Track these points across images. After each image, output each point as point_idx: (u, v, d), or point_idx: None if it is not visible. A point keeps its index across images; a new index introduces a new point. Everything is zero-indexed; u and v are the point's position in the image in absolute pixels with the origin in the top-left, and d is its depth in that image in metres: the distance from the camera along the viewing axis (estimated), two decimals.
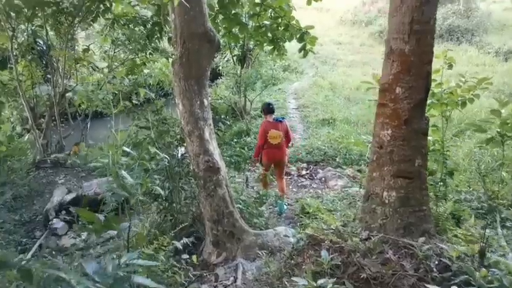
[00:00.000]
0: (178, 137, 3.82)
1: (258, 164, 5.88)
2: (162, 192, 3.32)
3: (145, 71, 14.98)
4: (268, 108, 5.45)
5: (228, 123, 5.71)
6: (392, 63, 2.68)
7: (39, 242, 5.65)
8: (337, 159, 7.45)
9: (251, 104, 10.16)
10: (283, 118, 5.65)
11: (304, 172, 7.30)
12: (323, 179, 6.88)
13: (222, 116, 5.44)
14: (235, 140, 8.87)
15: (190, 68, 3.41)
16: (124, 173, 2.16)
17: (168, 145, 3.74)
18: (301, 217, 4.93)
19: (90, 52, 9.83)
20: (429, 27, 2.60)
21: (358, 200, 5.34)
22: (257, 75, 9.80)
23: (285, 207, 5.49)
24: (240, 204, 3.93)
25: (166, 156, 3.14)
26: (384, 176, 2.66)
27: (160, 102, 4.26)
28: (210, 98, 4.19)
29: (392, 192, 2.60)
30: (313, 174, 7.19)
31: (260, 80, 10.94)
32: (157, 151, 3.73)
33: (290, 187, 6.72)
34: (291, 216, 5.32)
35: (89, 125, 12.09)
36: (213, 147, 3.49)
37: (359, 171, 7.03)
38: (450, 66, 3.73)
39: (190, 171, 3.70)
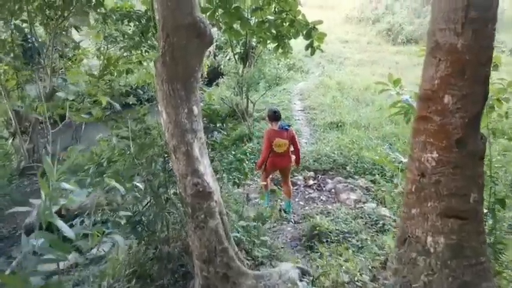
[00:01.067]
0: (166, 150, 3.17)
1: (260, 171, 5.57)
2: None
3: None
4: (273, 116, 5.17)
5: (225, 132, 5.01)
6: (438, 64, 2.00)
7: (15, 262, 5.03)
8: (348, 168, 6.77)
9: (254, 106, 9.48)
10: (289, 126, 5.34)
11: (311, 182, 6.63)
12: (333, 190, 6.20)
13: (218, 125, 4.70)
14: (237, 144, 8.22)
15: (176, 67, 2.74)
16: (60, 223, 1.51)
17: (150, 161, 3.09)
18: (311, 242, 4.27)
19: (82, 49, 9.23)
20: (490, 14, 1.93)
21: (376, 221, 4.66)
22: (260, 75, 9.13)
23: (291, 207, 5.48)
24: (238, 232, 3.28)
25: (139, 185, 2.47)
26: (428, 214, 1.99)
27: (144, 109, 3.60)
28: (202, 104, 3.54)
29: (440, 237, 1.93)
30: (322, 185, 6.52)
31: (263, 79, 10.27)
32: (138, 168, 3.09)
33: (296, 199, 6.06)
34: (298, 237, 4.65)
35: (83, 128, 11.51)
36: (204, 166, 2.83)
37: (373, 182, 6.37)
38: (495, 67, 3.06)
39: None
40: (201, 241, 2.60)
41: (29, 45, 8.58)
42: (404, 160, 2.97)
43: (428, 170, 2.00)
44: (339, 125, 9.07)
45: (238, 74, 9.33)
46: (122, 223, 2.23)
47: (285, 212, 5.32)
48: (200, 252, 2.60)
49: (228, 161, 5.46)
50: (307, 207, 5.67)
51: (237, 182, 4.34)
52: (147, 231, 2.96)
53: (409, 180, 2.13)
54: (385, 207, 5.30)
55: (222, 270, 2.56)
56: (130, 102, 10.34)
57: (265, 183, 5.36)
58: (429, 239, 1.96)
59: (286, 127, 5.21)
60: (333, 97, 11.05)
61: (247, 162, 4.49)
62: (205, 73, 11.40)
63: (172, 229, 3.31)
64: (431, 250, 1.94)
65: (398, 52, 17.44)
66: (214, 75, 13.86)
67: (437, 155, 1.98)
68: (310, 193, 6.25)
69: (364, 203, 5.46)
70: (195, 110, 2.89)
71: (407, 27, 20.02)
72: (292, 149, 5.33)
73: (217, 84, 12.97)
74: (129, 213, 2.61)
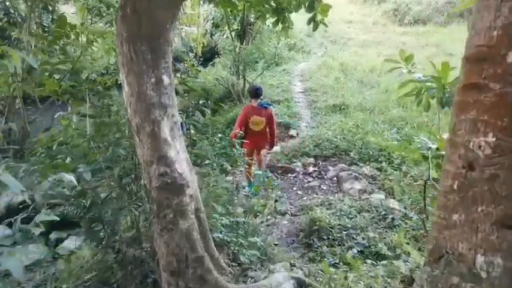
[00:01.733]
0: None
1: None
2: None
3: None
4: (254, 92, 5.08)
5: (208, 111, 4.41)
6: (500, 6, 1.36)
7: None
8: (352, 154, 6.18)
9: (245, 86, 8.79)
10: (269, 105, 5.24)
11: (311, 169, 6.05)
12: (335, 179, 5.62)
13: (201, 101, 4.08)
14: (231, 128, 7.61)
15: (139, 23, 2.12)
16: None
17: (110, 144, 2.48)
18: (309, 239, 3.71)
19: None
20: None
21: (385, 215, 4.09)
22: (258, 53, 8.44)
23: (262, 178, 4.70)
24: (221, 232, 2.70)
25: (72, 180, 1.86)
26: (478, 223, 1.39)
27: (111, 80, 2.99)
28: (176, 75, 2.92)
29: (496, 256, 1.34)
30: (323, 173, 5.94)
31: (262, 59, 9.59)
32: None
33: (294, 188, 5.49)
34: (295, 232, 4.09)
35: (69, 108, 10.85)
36: (177, 150, 2.23)
37: (379, 169, 5.78)
38: None
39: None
40: (168, 247, 2.02)
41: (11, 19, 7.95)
42: (433, 146, 2.36)
43: (480, 161, 1.39)
44: (342, 108, 8.44)
45: (234, 52, 8.64)
46: (36, 230, 1.64)
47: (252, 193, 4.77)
48: (168, 261, 2.03)
49: (220, 146, 4.88)
50: (305, 198, 5.11)
51: (225, 169, 3.74)
52: (105, 231, 2.38)
53: (449, 174, 1.52)
54: (394, 198, 4.73)
55: (194, 285, 2.00)
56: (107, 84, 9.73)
57: (250, 164, 4.95)
58: (479, 258, 1.37)
59: (266, 105, 5.07)
60: (335, 78, 10.37)
61: (238, 148, 3.87)
62: (200, 52, 10.69)
63: (143, 227, 2.74)
64: (483, 275, 1.36)
65: (405, 33, 16.60)
66: (211, 55, 13.12)
67: (494, 139, 1.37)
68: (309, 181, 5.68)
69: (370, 193, 4.89)
70: (166, 80, 2.28)
71: (414, 7, 19.08)
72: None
73: (213, 64, 12.27)
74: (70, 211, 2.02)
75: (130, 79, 2.18)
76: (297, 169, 6.07)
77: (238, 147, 4.25)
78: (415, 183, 5.04)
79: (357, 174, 5.27)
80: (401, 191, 4.93)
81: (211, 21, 13.13)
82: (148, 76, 2.19)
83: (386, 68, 11.79)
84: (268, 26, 8.08)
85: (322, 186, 5.47)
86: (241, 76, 8.90)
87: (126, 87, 2.23)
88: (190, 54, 10.22)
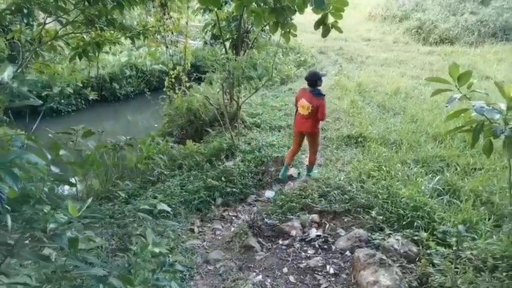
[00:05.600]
0: None
1: None
2: None
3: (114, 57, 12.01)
4: (310, 78, 4.98)
5: None
6: None
7: None
8: (373, 213, 4.23)
9: (239, 108, 6.92)
10: (322, 95, 4.97)
11: (313, 233, 4.14)
12: (347, 254, 3.72)
13: None
14: (211, 162, 5.78)
15: None
16: None
17: None
18: None
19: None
20: None
21: None
22: (252, 67, 6.66)
23: (316, 172, 5.39)
24: None
25: None
26: None
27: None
28: None
29: None
30: (330, 240, 4.03)
31: (261, 75, 7.83)
32: None
33: (284, 269, 3.59)
34: None
35: (35, 126, 9.24)
36: None
37: (415, 242, 3.84)
38: None
39: None
40: None
41: None
42: None
43: None
44: (359, 139, 6.55)
45: (225, 65, 6.87)
46: None
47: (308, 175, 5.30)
48: None
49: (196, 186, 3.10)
50: None
51: None
52: None
53: None
54: None
55: None
56: (91, 98, 8.00)
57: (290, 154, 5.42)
58: None
59: (318, 94, 4.92)
60: (351, 102, 8.51)
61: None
62: (189, 66, 9.00)
63: None
64: None
65: (431, 52, 14.73)
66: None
67: None
68: (309, 256, 3.76)
69: None
70: None
71: (441, 25, 17.27)
72: None
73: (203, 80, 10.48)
74: None
75: None
76: (293, 232, 4.17)
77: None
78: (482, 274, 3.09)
79: (384, 257, 3.32)
80: None
81: (211, 32, 11.52)
82: None
83: (414, 91, 9.95)
84: (266, 31, 6.32)
85: (328, 267, 3.55)
86: (231, 95, 7.11)
87: None
88: (178, 67, 8.52)
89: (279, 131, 7.27)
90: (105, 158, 6.35)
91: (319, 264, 3.59)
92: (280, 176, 5.45)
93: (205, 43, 12.88)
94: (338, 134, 6.87)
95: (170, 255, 2.14)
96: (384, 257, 3.29)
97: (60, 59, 10.76)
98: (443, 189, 4.88)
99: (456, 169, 5.42)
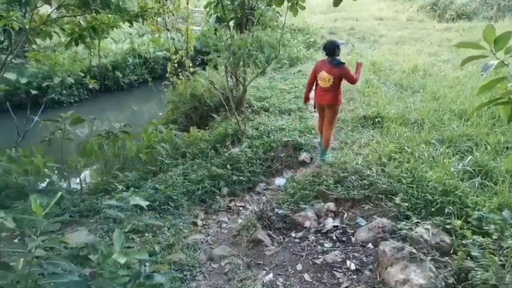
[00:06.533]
0: None
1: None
2: None
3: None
4: (329, 49, 4.71)
5: None
6: None
7: None
8: (397, 200, 3.75)
9: (245, 91, 6.44)
10: (342, 63, 4.72)
11: (330, 224, 3.70)
12: (370, 246, 3.27)
13: None
14: (217, 149, 5.36)
15: None
16: None
17: None
18: None
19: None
20: None
21: None
22: (258, 45, 6.16)
23: (329, 156, 4.96)
24: None
25: None
26: None
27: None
28: None
29: None
30: (349, 231, 3.58)
31: (274, 58, 7.28)
32: None
33: (298, 266, 3.16)
34: None
35: (36, 118, 8.97)
36: None
37: (447, 232, 3.37)
38: None
39: None
40: None
41: None
42: None
43: None
44: (376, 120, 6.03)
45: (230, 46, 6.37)
46: None
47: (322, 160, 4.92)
48: None
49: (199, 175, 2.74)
50: None
51: None
52: None
53: None
54: None
55: None
56: (91, 86, 7.64)
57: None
58: None
59: (337, 63, 4.67)
60: (366, 81, 7.95)
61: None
62: (192, 50, 8.54)
63: None
64: None
65: (448, 29, 13.94)
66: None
67: None
68: (326, 251, 3.32)
69: None
70: None
71: (457, 0, 16.39)
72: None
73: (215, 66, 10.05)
74: None
75: None
76: (307, 223, 3.73)
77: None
78: None
79: (414, 250, 2.86)
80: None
81: (215, 16, 10.99)
82: None
83: (433, 68, 9.26)
84: (271, 7, 5.81)
85: (348, 263, 3.10)
86: (237, 77, 6.63)
87: None
88: (181, 51, 8.07)
89: (289, 114, 6.79)
90: (105, 148, 5.98)
91: (338, 260, 3.15)
92: (318, 144, 5.32)
93: (211, 26, 12.36)
94: (353, 115, 6.35)
95: (146, 265, 1.72)
96: (414, 251, 2.83)
97: (59, 47, 10.42)
98: (474, 170, 4.36)
99: (486, 148, 4.87)
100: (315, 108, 5.23)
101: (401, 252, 2.80)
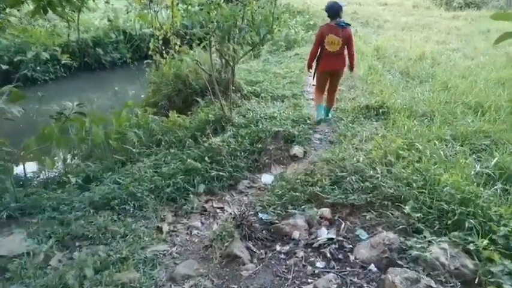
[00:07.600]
0: None
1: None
2: None
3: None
4: (332, 10, 4.67)
5: None
6: None
7: None
8: (407, 208, 3.08)
9: (233, 73, 5.70)
10: (347, 24, 4.71)
11: (323, 236, 3.02)
12: (372, 270, 2.60)
13: None
14: (196, 138, 4.64)
15: None
16: None
17: None
18: None
19: None
20: None
21: None
22: (243, 17, 5.38)
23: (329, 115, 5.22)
24: None
25: None
26: None
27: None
28: None
29: None
30: (347, 246, 2.91)
31: (267, 33, 6.51)
32: None
33: None
34: None
35: (4, 96, 8.18)
36: None
37: (468, 253, 2.69)
38: None
39: None
40: None
41: None
42: None
43: None
44: (381, 111, 5.32)
45: (215, 17, 5.56)
46: None
47: (324, 121, 5.10)
48: None
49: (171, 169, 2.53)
50: None
51: None
52: None
53: None
54: None
55: None
56: (63, 61, 6.86)
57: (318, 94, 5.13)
58: None
59: (343, 24, 4.66)
60: (369, 68, 7.23)
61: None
62: (178, 24, 7.72)
63: None
64: None
65: (456, 17, 13.18)
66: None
67: None
68: (315, 272, 2.65)
69: None
70: None
71: None
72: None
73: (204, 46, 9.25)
74: None
75: None
76: (296, 233, 3.05)
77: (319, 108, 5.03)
78: None
79: (432, 284, 2.18)
80: None
81: None
82: None
83: (441, 56, 8.52)
84: None
85: None
86: (225, 56, 5.85)
87: None
88: (165, 26, 7.27)
89: (282, 101, 6.06)
90: (70, 133, 5.25)
91: (333, 286, 2.48)
92: (316, 119, 5.09)
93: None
94: (354, 104, 5.64)
95: None
96: (433, 284, 2.15)
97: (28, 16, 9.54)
98: (494, 174, 3.68)
99: (506, 148, 4.20)
100: (313, 78, 5.17)
101: (416, 286, 2.13)
